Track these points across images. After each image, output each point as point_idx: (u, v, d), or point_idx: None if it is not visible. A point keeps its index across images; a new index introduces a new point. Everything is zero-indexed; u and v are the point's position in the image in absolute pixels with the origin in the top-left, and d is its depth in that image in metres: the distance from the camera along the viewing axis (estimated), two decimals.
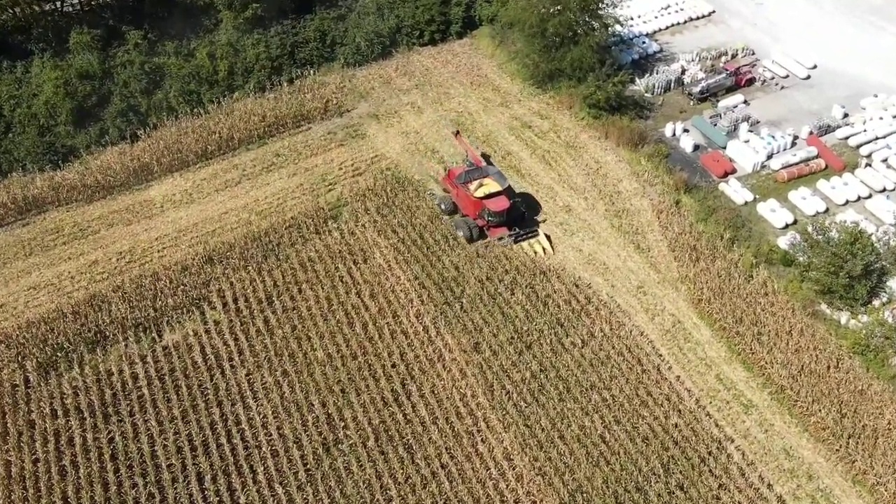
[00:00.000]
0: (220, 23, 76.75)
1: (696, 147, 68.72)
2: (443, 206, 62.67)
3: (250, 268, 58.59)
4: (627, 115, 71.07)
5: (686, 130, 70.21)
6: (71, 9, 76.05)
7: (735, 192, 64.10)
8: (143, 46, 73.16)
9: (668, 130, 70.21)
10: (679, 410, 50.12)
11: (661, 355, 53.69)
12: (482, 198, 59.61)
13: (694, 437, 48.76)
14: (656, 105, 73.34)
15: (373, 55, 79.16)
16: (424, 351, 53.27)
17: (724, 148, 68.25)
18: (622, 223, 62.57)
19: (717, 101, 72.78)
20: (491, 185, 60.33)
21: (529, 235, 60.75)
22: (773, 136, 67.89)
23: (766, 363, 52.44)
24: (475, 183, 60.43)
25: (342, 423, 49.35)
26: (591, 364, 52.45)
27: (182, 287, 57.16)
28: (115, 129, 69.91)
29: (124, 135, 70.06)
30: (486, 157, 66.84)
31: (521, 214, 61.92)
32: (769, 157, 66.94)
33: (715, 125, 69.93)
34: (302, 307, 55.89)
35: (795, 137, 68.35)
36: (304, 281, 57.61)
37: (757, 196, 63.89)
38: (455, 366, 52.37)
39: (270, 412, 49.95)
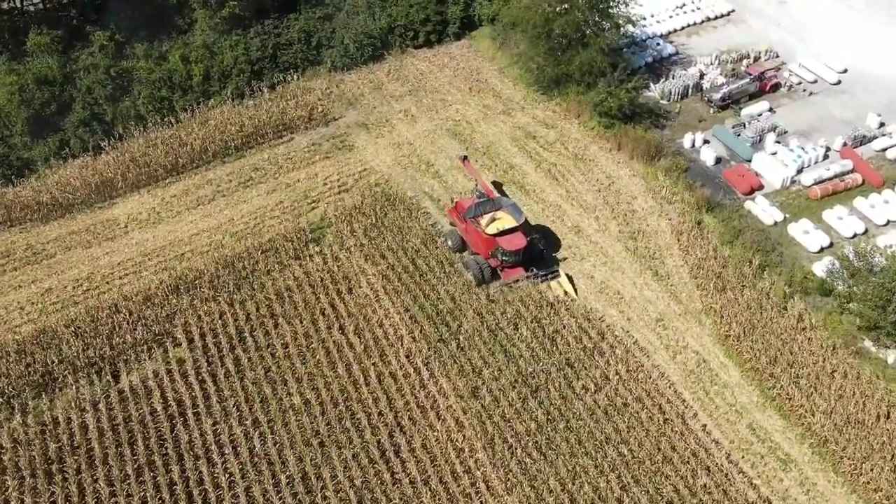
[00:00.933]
0: (195, 23, 70.43)
1: (719, 160, 62.26)
2: (450, 243, 55.30)
3: (221, 298, 52.08)
4: (642, 124, 64.67)
5: (706, 141, 63.78)
6: (32, 8, 69.57)
7: (763, 210, 57.66)
8: (109, 49, 66.94)
9: (686, 141, 63.75)
10: (707, 468, 43.61)
11: (684, 401, 47.27)
12: (495, 235, 52.03)
13: (725, 500, 42.27)
14: (673, 113, 66.91)
15: (362, 58, 72.71)
16: (415, 397, 46.77)
17: (750, 161, 61.80)
18: (638, 246, 56.12)
19: (740, 108, 66.27)
20: (505, 220, 52.63)
21: (549, 276, 53.36)
22: (804, 148, 61.44)
23: (806, 411, 46.00)
24: (487, 217, 52.83)
25: (320, 484, 42.81)
26: (607, 412, 45.95)
27: (143, 321, 50.68)
28: (76, 140, 63.75)
29: (86, 146, 63.86)
30: (498, 185, 59.66)
31: (540, 252, 54.24)
32: (799, 171, 60.57)
33: (738, 135, 63.46)
34: (277, 345, 49.39)
35: (828, 149, 61.87)
36: (280, 314, 51.11)
37: (787, 215, 57.42)
38: (450, 414, 45.86)
39: (238, 470, 43.42)
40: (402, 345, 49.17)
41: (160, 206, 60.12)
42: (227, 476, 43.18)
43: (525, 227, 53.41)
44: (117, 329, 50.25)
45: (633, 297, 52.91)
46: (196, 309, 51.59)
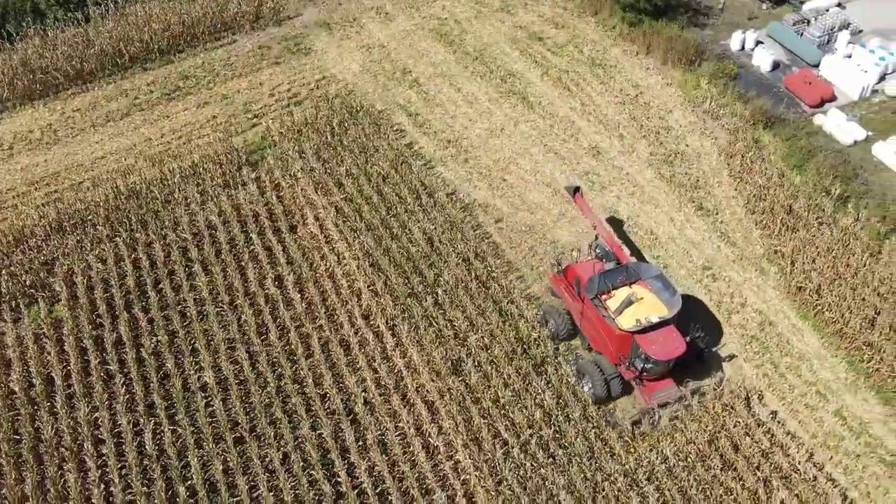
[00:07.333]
0: None
1: (777, 65, 48.61)
2: (551, 325, 35.12)
3: (119, 239, 38.88)
4: (677, 21, 50.86)
5: (759, 42, 49.99)
6: None
7: (838, 126, 44.20)
8: None
9: (734, 42, 50.03)
10: (784, 475, 30.74)
11: (745, 377, 34.26)
12: (634, 332, 31.79)
13: None
14: (715, 9, 53.09)
15: None
16: (375, 372, 33.79)
17: (817, 66, 48.16)
18: (675, 172, 42.84)
19: (801, 2, 52.52)
20: (649, 306, 31.76)
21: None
22: (886, 49, 47.79)
23: None
24: (619, 298, 32.11)
25: (235, 500, 30.10)
26: None
27: (11, 268, 37.62)
28: None
29: None
30: (614, 224, 39.83)
31: (699, 352, 33.49)
32: (882, 77, 47.02)
33: (801, 35, 49.74)
34: (190, 301, 36.26)
35: None
36: (197, 260, 37.93)
37: (871, 133, 44.03)
38: (421, 398, 32.92)
39: (119, 477, 30.64)
40: (358, 301, 36.11)
41: (58, 122, 46.74)
42: (102, 487, 30.39)
43: (678, 319, 32.24)
44: None
45: (670, 238, 39.73)
46: (85, 253, 38.45)
